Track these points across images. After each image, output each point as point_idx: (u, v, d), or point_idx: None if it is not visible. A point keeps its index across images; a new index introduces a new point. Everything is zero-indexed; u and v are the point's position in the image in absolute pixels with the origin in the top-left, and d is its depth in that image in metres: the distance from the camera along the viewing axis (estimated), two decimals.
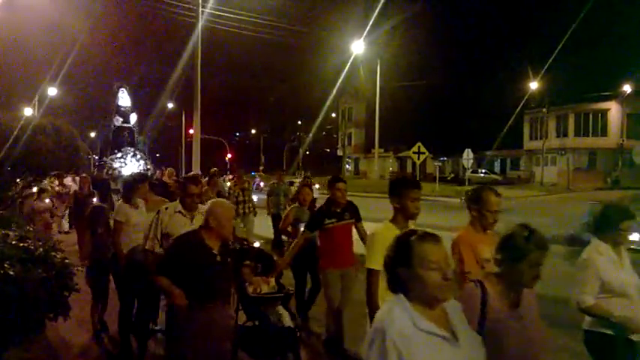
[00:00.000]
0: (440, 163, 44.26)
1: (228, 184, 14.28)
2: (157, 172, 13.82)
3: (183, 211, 4.79)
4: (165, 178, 13.20)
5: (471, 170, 36.51)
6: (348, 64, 35.26)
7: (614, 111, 42.52)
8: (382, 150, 48.92)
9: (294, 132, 79.04)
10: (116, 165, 18.57)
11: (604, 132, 43.06)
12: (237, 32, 25.62)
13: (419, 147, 24.89)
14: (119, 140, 20.36)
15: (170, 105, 50.74)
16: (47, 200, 10.65)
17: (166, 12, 23.20)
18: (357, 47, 33.73)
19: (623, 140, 40.93)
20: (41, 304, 4.30)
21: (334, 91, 41.27)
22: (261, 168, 52.10)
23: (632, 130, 40.98)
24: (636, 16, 33.59)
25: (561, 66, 37.05)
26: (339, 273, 5.54)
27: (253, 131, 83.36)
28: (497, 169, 53.76)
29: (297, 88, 47.15)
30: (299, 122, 74.79)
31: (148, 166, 19.90)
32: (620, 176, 38.01)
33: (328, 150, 77.06)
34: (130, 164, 18.71)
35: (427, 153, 26.22)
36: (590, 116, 43.75)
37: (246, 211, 11.40)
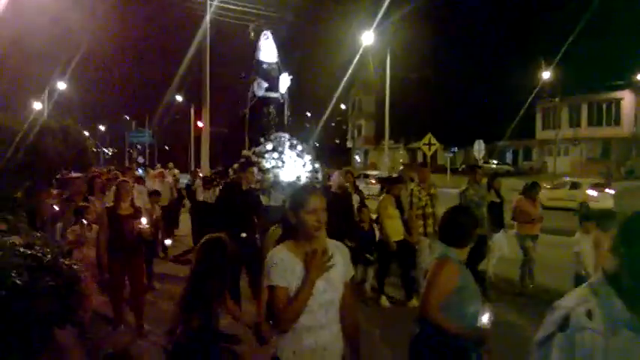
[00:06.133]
0: (451, 154, 43.95)
1: None
2: (336, 174, 8.84)
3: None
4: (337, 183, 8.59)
5: (482, 161, 36.15)
6: (358, 55, 34.92)
7: (627, 100, 41.93)
8: (392, 141, 48.62)
9: (303, 124, 78.79)
10: (267, 164, 11.12)
11: (617, 122, 42.50)
12: (244, 24, 25.41)
13: (429, 138, 24.52)
14: (261, 120, 12.43)
15: (179, 98, 49.85)
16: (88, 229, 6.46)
17: (175, 7, 23.04)
18: (367, 38, 33.36)
19: (636, 130, 40.48)
20: (50, 314, 4.18)
21: (343, 83, 41.02)
22: None
23: None
24: None
25: (574, 55, 36.62)
26: None
27: None
28: (509, 159, 53.34)
29: (305, 80, 46.97)
30: (308, 114, 74.65)
31: (316, 165, 12.30)
32: (634, 166, 37.54)
33: (338, 141, 76.91)
34: (288, 162, 11.31)
35: (438, 144, 25.90)
36: (604, 106, 43.26)
37: (435, 230, 7.14)
